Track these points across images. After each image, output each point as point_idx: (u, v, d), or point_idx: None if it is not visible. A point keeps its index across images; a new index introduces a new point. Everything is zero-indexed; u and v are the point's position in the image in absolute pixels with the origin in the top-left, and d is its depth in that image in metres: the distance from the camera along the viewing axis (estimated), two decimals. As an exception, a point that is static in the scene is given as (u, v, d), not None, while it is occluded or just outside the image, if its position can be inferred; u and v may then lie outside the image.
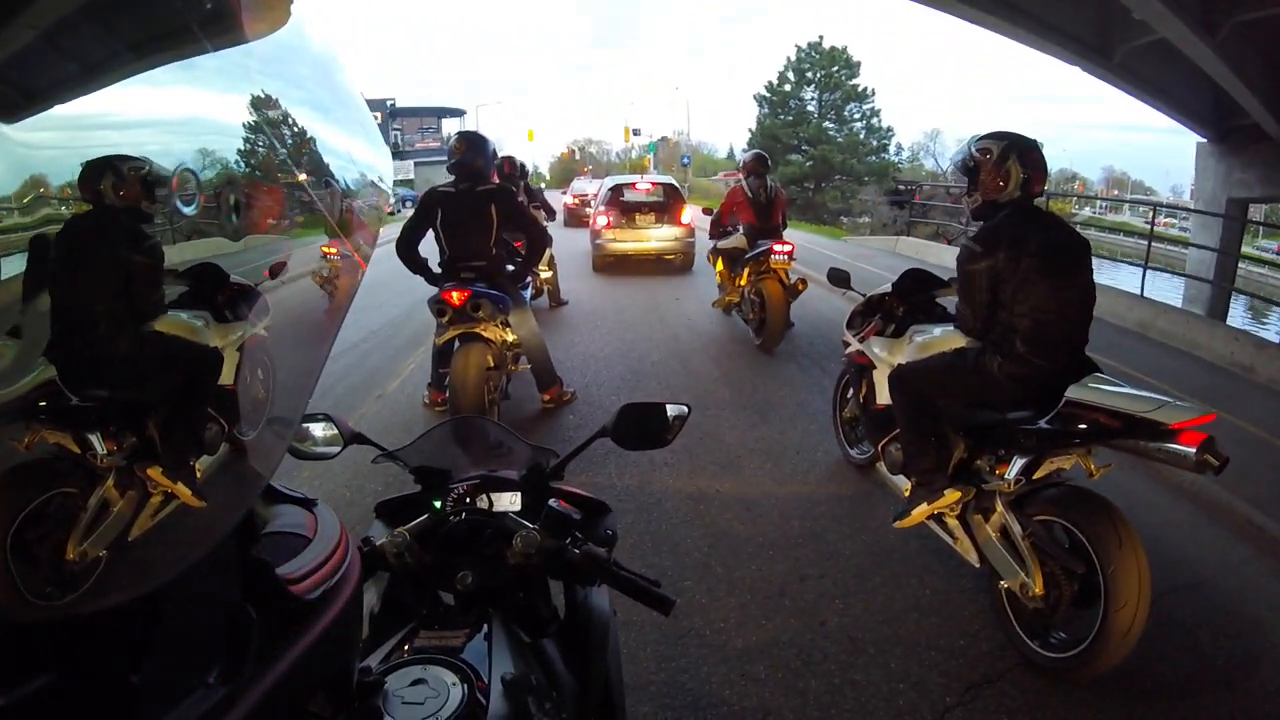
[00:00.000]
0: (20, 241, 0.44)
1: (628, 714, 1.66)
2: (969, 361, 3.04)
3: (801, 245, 7.29)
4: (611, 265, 12.60)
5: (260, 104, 0.59)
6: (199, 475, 0.55)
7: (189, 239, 0.55)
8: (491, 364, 4.67)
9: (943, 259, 10.74)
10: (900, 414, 3.32)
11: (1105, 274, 15.84)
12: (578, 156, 69.55)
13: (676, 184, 14.04)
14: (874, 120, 41.59)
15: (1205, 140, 15.12)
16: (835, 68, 40.83)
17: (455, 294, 4.54)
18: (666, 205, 12.73)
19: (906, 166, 47.04)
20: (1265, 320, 21.33)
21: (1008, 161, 2.87)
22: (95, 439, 0.49)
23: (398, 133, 49.67)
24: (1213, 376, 6.61)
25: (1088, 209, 48.44)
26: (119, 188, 0.47)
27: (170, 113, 0.54)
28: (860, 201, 37.85)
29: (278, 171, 0.62)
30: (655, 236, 12.51)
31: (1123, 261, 18.21)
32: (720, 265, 8.05)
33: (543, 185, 39.64)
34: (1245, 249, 19.49)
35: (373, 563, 1.34)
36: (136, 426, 0.52)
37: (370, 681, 0.99)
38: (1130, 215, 40.21)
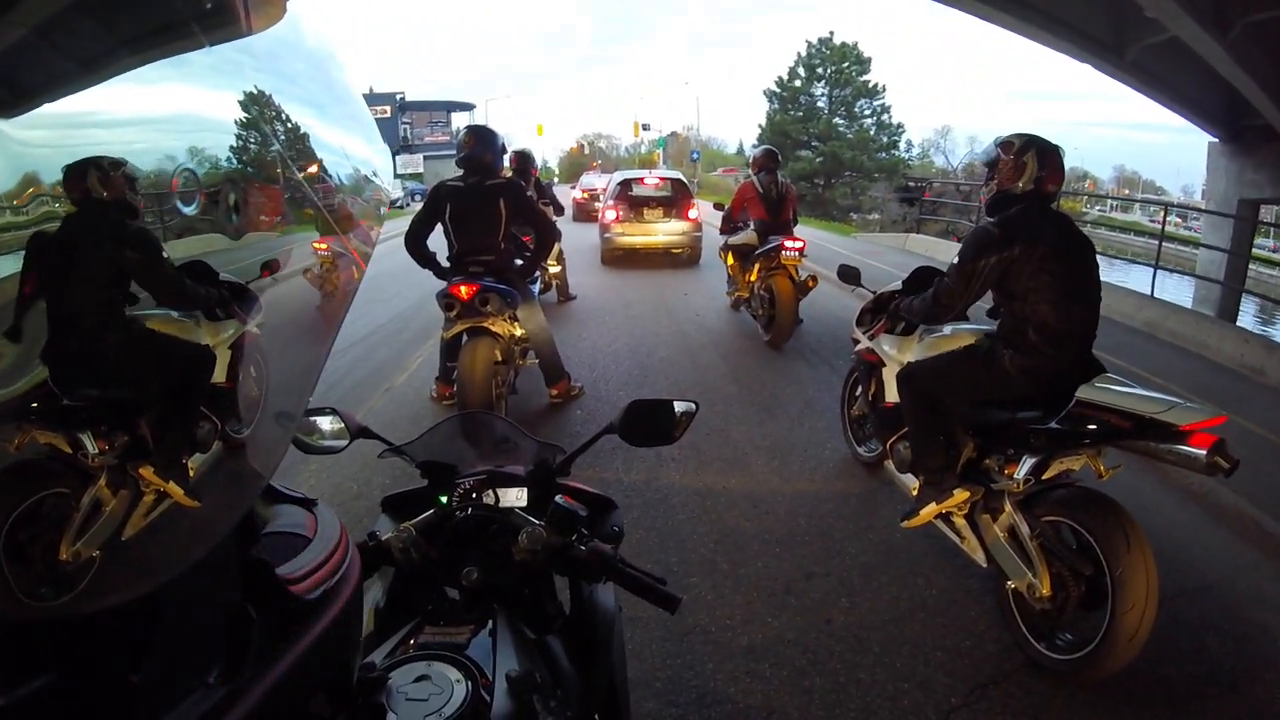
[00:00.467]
0: (14, 241, 0.43)
1: (632, 711, 1.65)
2: (979, 358, 3.05)
3: (810, 242, 7.25)
4: (620, 259, 12.75)
5: (254, 101, 0.58)
6: (193, 474, 0.55)
7: (180, 237, 0.54)
8: (499, 358, 4.67)
9: (953, 257, 10.66)
10: (909, 412, 3.30)
11: (1115, 274, 15.78)
12: (587, 151, 69.50)
13: (684, 179, 14.13)
14: (884, 117, 41.39)
15: (1217, 140, 14.98)
16: (846, 64, 40.62)
17: (464, 288, 4.54)
18: (674, 200, 12.84)
19: (916, 163, 46.82)
20: (1275, 321, 21.13)
21: (1025, 155, 2.92)
22: (87, 438, 0.49)
23: (407, 126, 49.80)
24: (1222, 378, 6.54)
25: (1098, 208, 48.14)
26: (106, 187, 0.47)
27: (163, 110, 0.54)
28: (870, 198, 37.74)
29: (273, 169, 0.61)
30: (663, 231, 12.64)
31: (1133, 262, 18.11)
32: (731, 260, 8.01)
33: (554, 179, 39.76)
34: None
35: (378, 557, 1.34)
36: (128, 426, 0.51)
37: (374, 678, 0.99)
38: (1140, 215, 39.94)
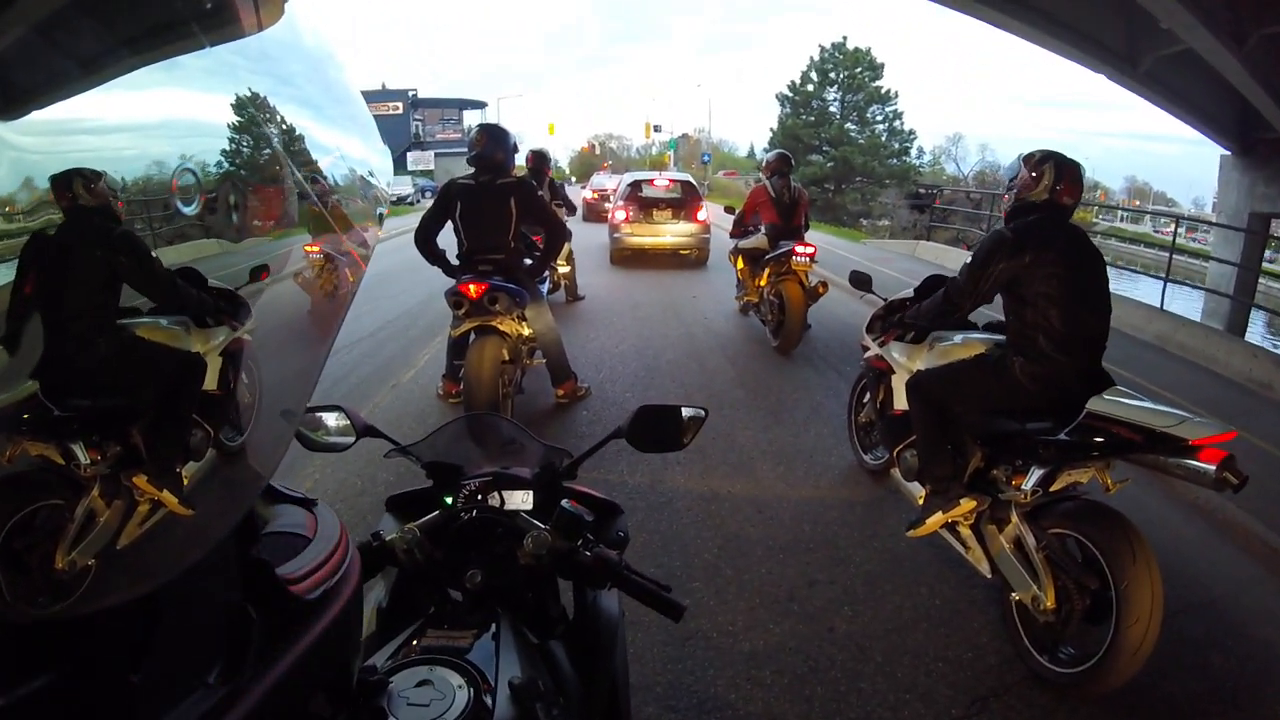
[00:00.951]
0: (5, 250, 0.43)
1: (633, 716, 1.64)
2: (989, 367, 3.05)
3: (820, 247, 7.23)
4: (629, 259, 12.85)
5: (248, 104, 0.58)
6: (187, 481, 0.55)
7: (170, 243, 0.54)
8: (506, 357, 4.67)
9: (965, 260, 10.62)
10: (918, 420, 3.29)
11: (1124, 285, 15.69)
12: (598, 151, 69.59)
13: (694, 181, 14.28)
14: (896, 123, 41.35)
15: (1229, 153, 14.89)
16: (859, 69, 40.63)
17: (472, 286, 4.54)
18: (684, 202, 12.98)
19: (928, 170, 46.71)
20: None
21: (1043, 166, 2.98)
22: (79, 449, 0.49)
23: (419, 123, 49.95)
24: (1230, 393, 6.49)
25: (1107, 218, 47.90)
26: (91, 195, 0.46)
27: (155, 115, 0.53)
28: (880, 204, 37.62)
29: (267, 172, 0.61)
30: (671, 232, 12.77)
31: (1142, 274, 18.01)
32: (741, 264, 7.98)
33: (571, 180, 39.72)
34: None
35: (382, 558, 1.34)
36: (120, 435, 0.51)
37: (375, 681, 0.98)
38: (1151, 226, 39.72)
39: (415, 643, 1.20)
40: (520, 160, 7.76)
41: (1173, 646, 2.78)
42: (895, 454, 3.66)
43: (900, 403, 3.67)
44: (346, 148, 0.75)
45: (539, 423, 5.15)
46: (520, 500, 1.53)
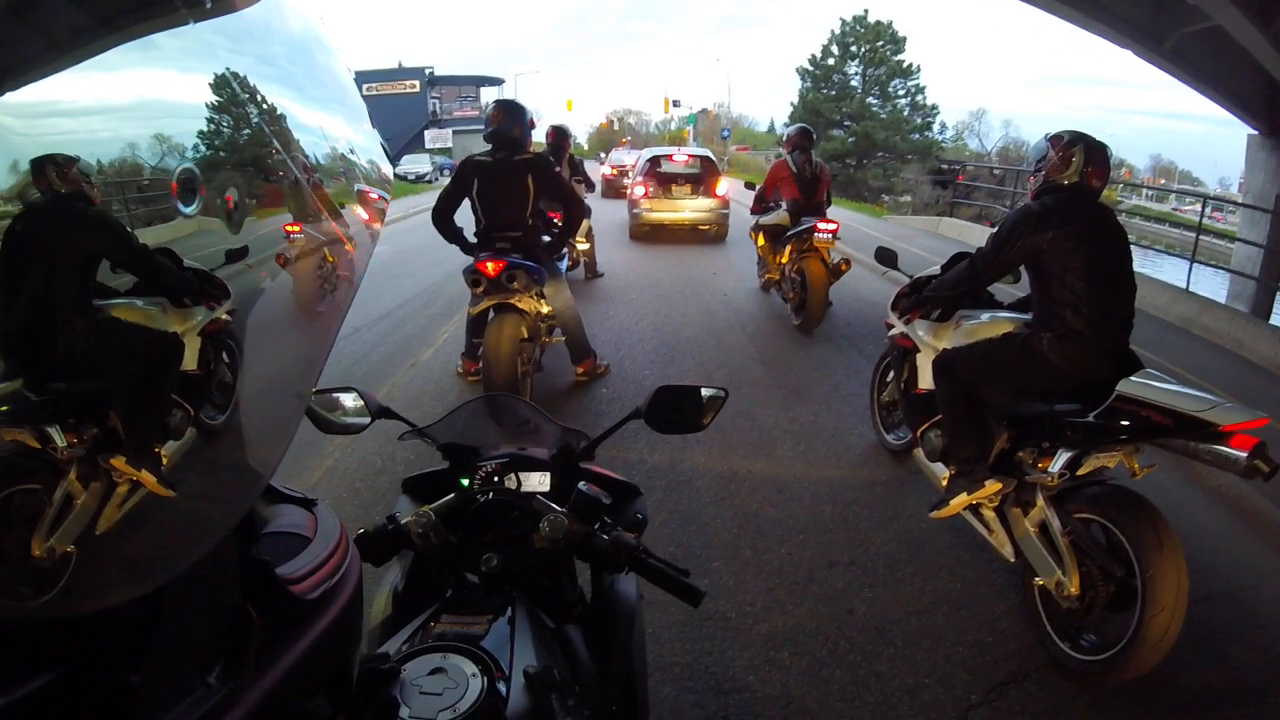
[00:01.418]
0: None
1: (649, 696, 1.64)
2: (1017, 346, 3.01)
3: (842, 224, 7.12)
4: (648, 235, 12.88)
5: (226, 84, 0.56)
6: (166, 461, 0.53)
7: (149, 225, 0.52)
8: (525, 335, 4.66)
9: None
10: (943, 400, 3.24)
11: (1149, 265, 15.39)
12: (616, 127, 69.13)
13: (713, 157, 14.22)
14: (918, 97, 40.63)
15: (1257, 132, 14.47)
16: (880, 42, 39.89)
17: (490, 264, 4.52)
18: (702, 177, 13.05)
19: (950, 146, 45.96)
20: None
21: (1073, 149, 2.95)
22: (55, 432, 0.47)
23: (436, 101, 49.79)
24: (1256, 378, 6.34)
25: (1133, 197, 46.98)
26: (63, 180, 0.45)
27: (129, 96, 0.52)
28: (902, 180, 37.15)
29: (249, 154, 0.60)
30: (690, 207, 12.80)
31: (1166, 254, 17.66)
32: (762, 241, 7.87)
33: (599, 157, 39.56)
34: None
35: (397, 541, 1.32)
36: (97, 417, 0.50)
37: (387, 669, 0.97)
38: (1177, 204, 38.88)
39: (430, 628, 1.19)
40: (540, 136, 7.71)
41: (1194, 636, 2.73)
42: (919, 434, 3.62)
43: (925, 382, 3.62)
44: (333, 131, 0.73)
45: (558, 400, 5.15)
46: (537, 482, 1.51)
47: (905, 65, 40.13)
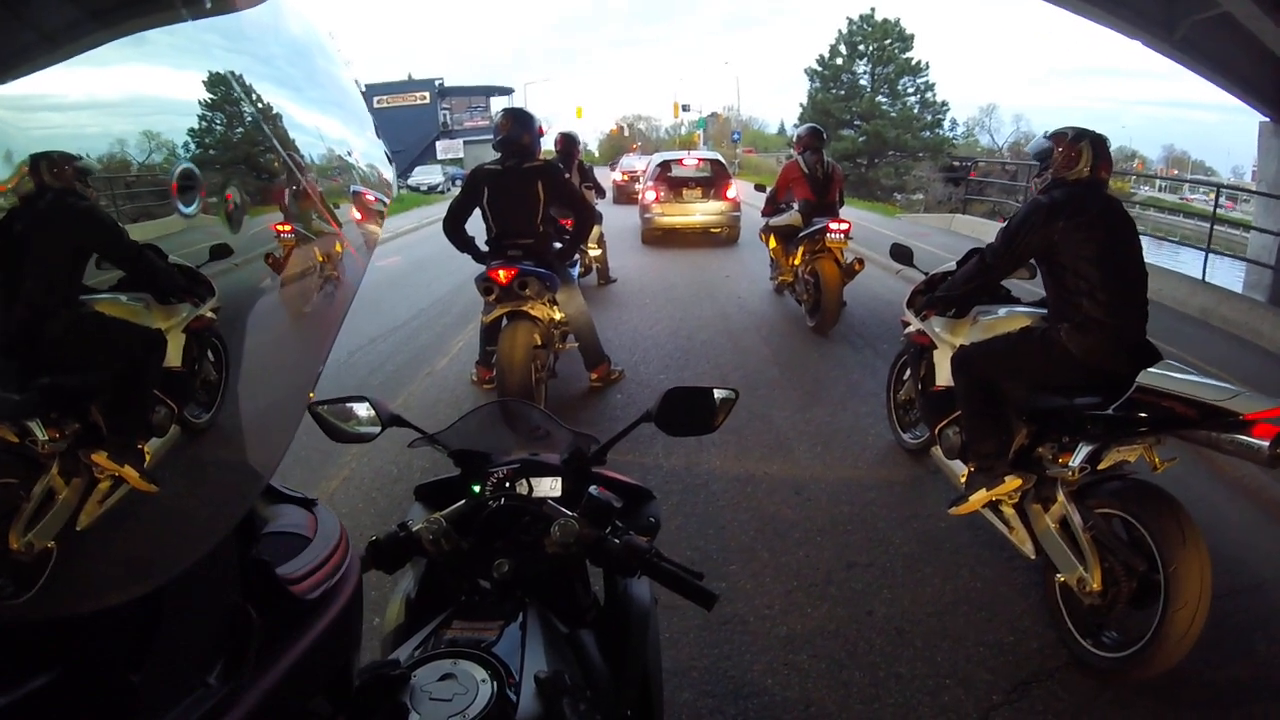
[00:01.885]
0: None
1: (667, 701, 1.62)
2: (1035, 338, 2.99)
3: (854, 223, 7.08)
4: (660, 239, 12.95)
5: (220, 81, 0.56)
6: (149, 457, 0.53)
7: (135, 221, 0.52)
8: (539, 342, 4.66)
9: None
10: (962, 396, 3.21)
11: (1165, 257, 15.19)
12: (626, 133, 69.35)
13: (723, 160, 14.28)
14: (928, 95, 40.45)
15: (1269, 120, 14.29)
16: (888, 41, 39.77)
17: (502, 272, 4.52)
18: (713, 180, 13.09)
19: (961, 142, 45.71)
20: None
21: (1080, 143, 2.95)
22: (36, 426, 0.47)
23: (446, 112, 50.18)
24: (1276, 367, 6.23)
25: (1146, 188, 46.42)
26: (56, 176, 0.45)
27: (120, 91, 0.52)
28: (914, 178, 36.91)
29: (242, 153, 0.59)
30: (701, 210, 12.85)
31: (1181, 244, 17.42)
32: (773, 243, 7.81)
33: (616, 164, 39.68)
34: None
35: (409, 547, 1.32)
36: (79, 412, 0.50)
37: (397, 675, 0.97)
38: (1190, 194, 38.40)
39: (441, 634, 1.19)
40: (549, 144, 7.74)
41: (1218, 632, 2.67)
42: (937, 431, 3.58)
43: (943, 378, 3.60)
44: (331, 133, 0.74)
45: (573, 407, 5.15)
46: (548, 487, 1.51)
47: (914, 63, 40.00)
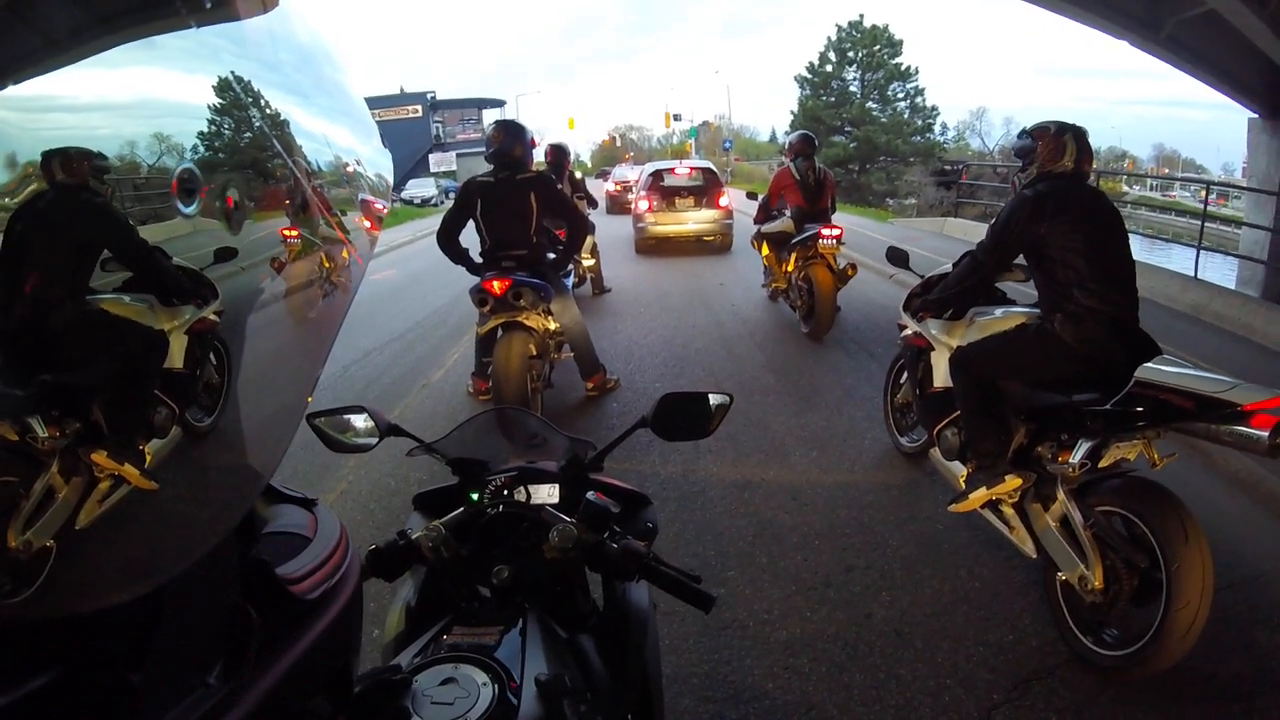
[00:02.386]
0: None
1: (668, 707, 1.62)
2: (1033, 335, 3.02)
3: (847, 228, 7.11)
4: (654, 248, 13.01)
5: (229, 86, 0.57)
6: (150, 458, 0.53)
7: (144, 223, 0.52)
8: (534, 352, 4.67)
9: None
10: (962, 396, 3.23)
11: (1157, 255, 15.25)
12: (619, 143, 69.57)
13: (714, 168, 14.37)
14: (918, 99, 40.70)
15: (1257, 115, 14.40)
16: (877, 47, 40.05)
17: (496, 283, 4.54)
18: (705, 189, 13.15)
19: (952, 146, 45.95)
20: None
21: (1065, 136, 2.99)
22: (37, 423, 0.47)
23: (439, 125, 50.38)
24: (1270, 361, 6.28)
25: (1138, 187, 46.64)
26: (70, 173, 0.45)
27: (130, 94, 0.52)
28: (906, 183, 37.14)
29: (249, 157, 0.60)
30: (694, 219, 12.93)
31: (1174, 243, 17.49)
32: (766, 250, 7.83)
33: (603, 172, 39.77)
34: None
35: (409, 555, 1.33)
36: (80, 410, 0.50)
37: (399, 680, 0.98)
38: (1180, 193, 38.67)
39: (442, 640, 1.19)
40: (540, 155, 7.77)
41: (1218, 625, 2.67)
42: (935, 433, 3.59)
43: (940, 380, 3.60)
44: (338, 140, 0.74)
45: (569, 416, 5.15)
46: (546, 494, 1.52)
47: (903, 68, 40.27)
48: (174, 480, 0.56)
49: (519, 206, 4.80)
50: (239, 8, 0.61)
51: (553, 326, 4.97)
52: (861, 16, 40.66)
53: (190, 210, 0.54)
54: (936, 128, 41.96)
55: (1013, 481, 2.93)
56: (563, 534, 1.29)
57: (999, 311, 3.40)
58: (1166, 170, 58.64)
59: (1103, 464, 2.69)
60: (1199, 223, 10.67)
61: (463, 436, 1.68)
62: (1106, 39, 13.99)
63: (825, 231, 6.65)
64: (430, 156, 47.55)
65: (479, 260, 4.97)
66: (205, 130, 0.55)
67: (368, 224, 0.82)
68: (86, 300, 0.50)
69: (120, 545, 0.53)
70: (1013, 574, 3.18)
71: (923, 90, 40.74)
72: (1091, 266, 2.86)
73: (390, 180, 0.87)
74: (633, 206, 13.92)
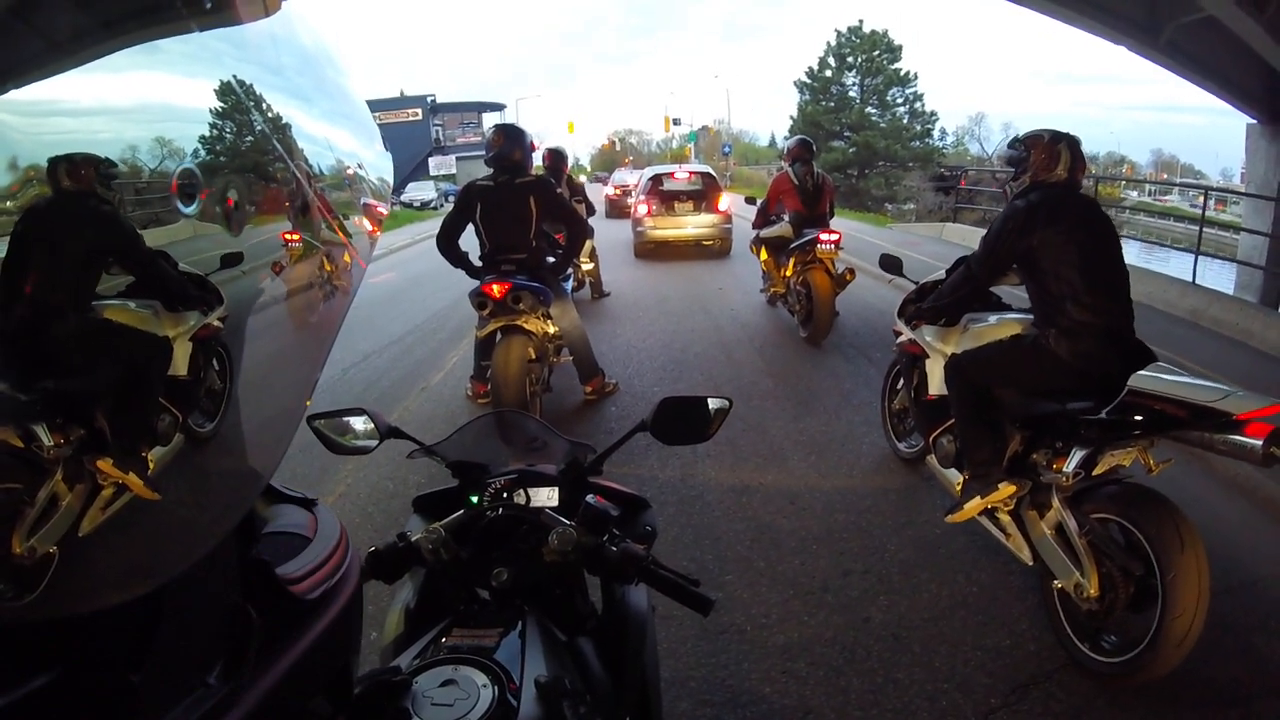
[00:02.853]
0: None
1: (665, 711, 1.62)
2: (1026, 345, 3.02)
3: (845, 233, 7.13)
4: (653, 252, 13.04)
5: (231, 90, 0.57)
6: (153, 465, 0.53)
7: (145, 227, 0.53)
8: (533, 356, 4.68)
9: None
10: (956, 404, 3.23)
11: (1155, 261, 15.26)
12: (618, 147, 69.66)
13: (714, 173, 14.41)
14: (917, 105, 40.77)
15: (1256, 121, 14.44)
16: (876, 52, 40.12)
17: (496, 287, 4.54)
18: (704, 193, 13.21)
19: (951, 151, 46.00)
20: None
21: (1058, 145, 2.99)
22: (41, 431, 0.47)
23: (439, 128, 50.48)
24: (1268, 367, 6.28)
25: (1135, 193, 46.69)
26: (76, 179, 0.45)
27: (131, 98, 0.52)
28: (905, 188, 37.13)
29: (250, 161, 0.60)
30: (693, 224, 12.97)
31: (1172, 248, 17.50)
32: (764, 255, 7.84)
33: (598, 176, 39.61)
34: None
35: (408, 557, 1.33)
36: (84, 418, 0.49)
37: (399, 681, 0.98)
38: (1179, 199, 38.75)
39: (441, 642, 1.20)
40: (537, 160, 7.79)
41: (1215, 630, 2.67)
42: (931, 440, 3.59)
43: (935, 387, 3.60)
44: (339, 144, 0.75)
45: (568, 420, 5.16)
46: (546, 497, 1.52)
47: (902, 73, 40.32)
48: (175, 485, 0.56)
49: (519, 210, 4.81)
50: (241, 11, 0.61)
51: (552, 330, 4.97)
52: (861, 22, 40.81)
53: (190, 210, 0.54)
54: (935, 133, 42.06)
55: (1007, 490, 2.92)
56: (562, 537, 1.29)
57: (993, 319, 3.41)
58: (1165, 175, 58.77)
59: (1097, 471, 2.70)
60: (1196, 228, 10.67)
61: (463, 439, 1.68)
62: (1105, 44, 14.02)
63: (824, 236, 6.67)
64: (430, 160, 47.68)
65: (478, 264, 4.97)
66: (207, 134, 0.55)
67: (368, 227, 0.82)
68: (91, 306, 0.50)
69: (120, 546, 0.53)
70: (1010, 579, 3.18)
71: (922, 95, 40.85)
72: (1085, 279, 2.85)
73: (391, 183, 0.87)
74: (632, 211, 13.95)
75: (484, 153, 5.11)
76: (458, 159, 46.77)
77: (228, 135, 0.57)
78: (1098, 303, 2.84)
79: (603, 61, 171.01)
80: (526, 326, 4.64)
